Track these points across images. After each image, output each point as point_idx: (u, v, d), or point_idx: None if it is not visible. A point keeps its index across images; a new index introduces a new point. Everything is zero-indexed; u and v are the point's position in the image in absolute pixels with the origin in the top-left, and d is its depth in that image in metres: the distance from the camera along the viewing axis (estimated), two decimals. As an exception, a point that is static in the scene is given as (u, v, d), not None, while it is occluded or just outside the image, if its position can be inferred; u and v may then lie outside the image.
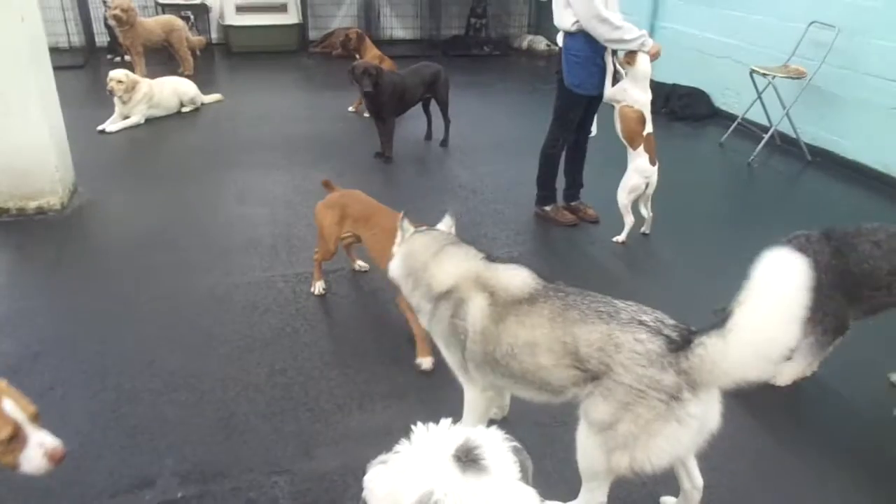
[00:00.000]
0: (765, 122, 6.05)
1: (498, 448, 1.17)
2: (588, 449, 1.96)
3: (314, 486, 2.36)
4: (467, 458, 1.13)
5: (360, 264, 3.77)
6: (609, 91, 4.10)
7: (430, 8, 10.11)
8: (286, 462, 2.47)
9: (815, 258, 2.66)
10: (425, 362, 2.94)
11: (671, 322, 1.87)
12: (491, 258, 2.22)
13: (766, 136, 5.85)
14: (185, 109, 6.69)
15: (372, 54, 6.88)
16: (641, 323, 1.86)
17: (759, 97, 6.00)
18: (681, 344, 1.80)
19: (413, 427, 1.24)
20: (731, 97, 6.81)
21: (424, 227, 2.40)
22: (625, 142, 4.14)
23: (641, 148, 4.08)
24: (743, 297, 1.69)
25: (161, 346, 3.11)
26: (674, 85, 7.12)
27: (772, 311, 1.66)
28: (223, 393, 2.82)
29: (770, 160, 5.86)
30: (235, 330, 3.26)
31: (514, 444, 1.20)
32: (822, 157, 5.80)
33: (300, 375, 2.94)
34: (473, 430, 1.20)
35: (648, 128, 4.09)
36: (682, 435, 1.82)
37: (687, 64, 7.19)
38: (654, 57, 3.99)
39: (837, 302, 2.71)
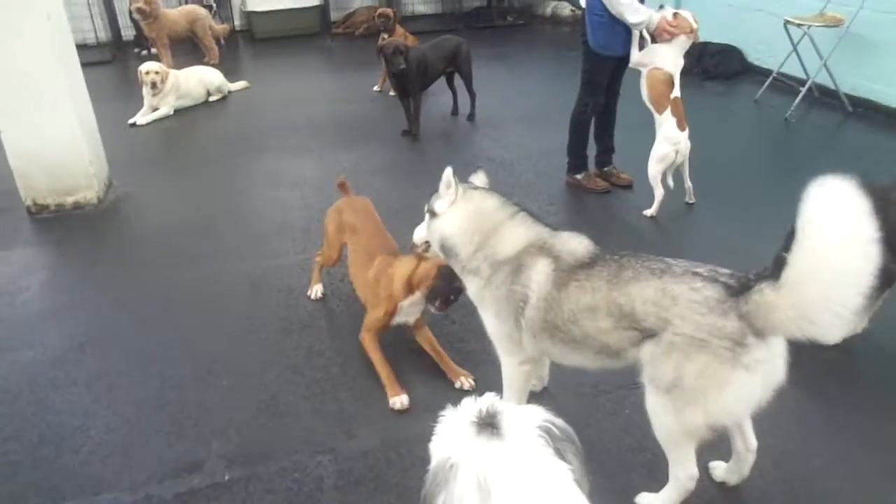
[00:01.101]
0: (801, 74, 5.84)
1: (521, 418, 1.18)
2: (659, 414, 1.92)
3: (357, 465, 2.38)
4: (485, 423, 1.14)
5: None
6: (637, 55, 3.98)
7: (451, -21, 9.99)
8: (329, 442, 2.50)
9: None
10: (398, 402, 2.64)
11: (726, 271, 1.83)
12: (553, 227, 2.20)
13: (804, 90, 5.65)
14: (212, 98, 6.74)
15: (398, 32, 6.84)
16: (696, 274, 1.83)
17: (795, 49, 5.79)
18: (739, 289, 1.75)
19: (450, 403, 1.25)
20: (765, 51, 6.58)
21: (474, 185, 2.35)
22: (650, 106, 4.01)
23: (668, 112, 3.94)
24: (796, 244, 1.60)
25: (201, 333, 3.16)
26: (705, 43, 6.89)
27: (827, 258, 1.57)
28: (263, 376, 2.86)
29: (808, 114, 5.66)
30: (273, 314, 3.29)
31: (551, 421, 1.19)
32: (864, 107, 5.58)
33: (338, 356, 2.96)
34: (500, 400, 1.22)
35: (676, 91, 3.96)
36: (752, 382, 1.76)
37: (718, 20, 6.96)
38: (664, 32, 3.84)
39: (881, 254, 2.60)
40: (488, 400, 1.21)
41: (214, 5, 9.09)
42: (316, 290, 3.40)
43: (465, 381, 2.73)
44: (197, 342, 3.10)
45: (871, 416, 2.50)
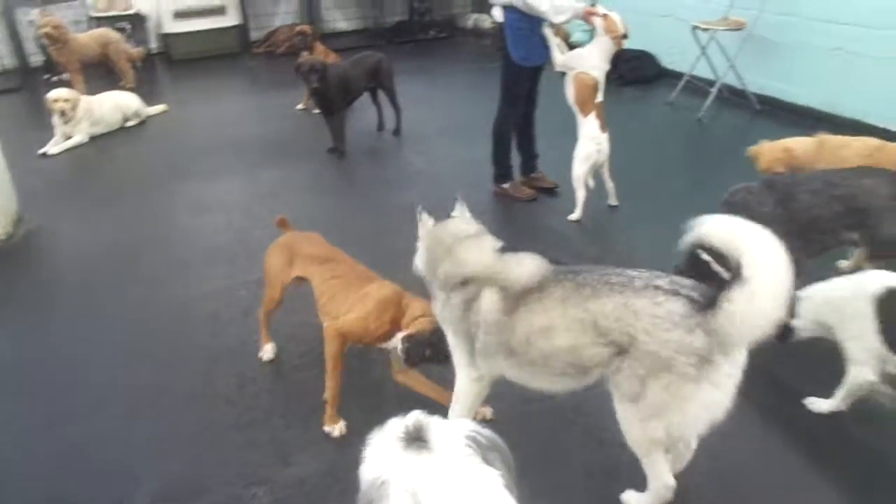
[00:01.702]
0: (711, 76, 6.09)
1: (449, 431, 1.18)
2: (624, 422, 1.95)
3: (294, 493, 2.33)
4: (412, 438, 1.14)
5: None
6: (562, 58, 4.07)
7: (371, -5, 10.00)
8: (264, 471, 2.44)
9: (759, 209, 2.72)
10: (335, 429, 2.60)
11: (688, 283, 1.83)
12: (505, 249, 2.16)
13: (714, 91, 5.90)
14: (129, 124, 6.52)
15: (319, 50, 6.77)
16: (657, 287, 1.80)
17: (704, 52, 6.04)
18: (705, 304, 1.73)
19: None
20: (677, 55, 6.84)
21: (453, 217, 2.36)
22: (575, 108, 4.12)
23: (592, 115, 4.07)
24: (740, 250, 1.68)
25: (125, 366, 3.05)
26: (620, 50, 7.11)
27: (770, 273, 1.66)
28: (194, 407, 2.77)
29: (720, 114, 5.91)
30: (200, 342, 3.19)
31: (478, 432, 1.20)
32: (770, 104, 5.87)
33: (269, 383, 2.90)
34: (424, 415, 1.23)
35: (600, 96, 4.08)
36: (717, 396, 1.77)
37: (632, 27, 7.12)
38: (589, 16, 3.95)
39: (788, 246, 2.75)
40: (415, 416, 1.21)
41: (128, 28, 8.81)
42: (268, 351, 3.05)
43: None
44: (120, 377, 2.98)
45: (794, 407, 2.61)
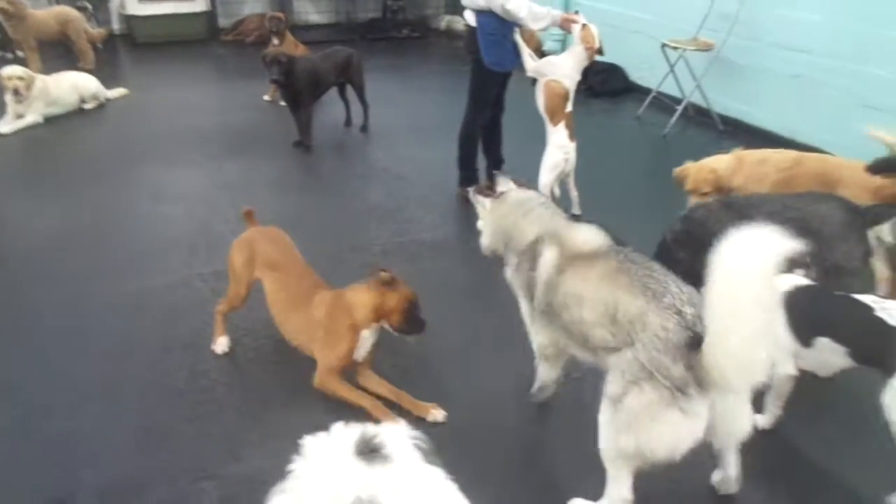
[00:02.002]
0: (678, 94, 6.21)
1: (396, 437, 1.16)
2: (602, 429, 2.03)
3: (243, 489, 2.28)
4: (369, 450, 1.11)
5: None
6: (534, 64, 4.09)
7: (344, -11, 9.93)
8: (213, 467, 2.38)
9: (717, 227, 2.77)
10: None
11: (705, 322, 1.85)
12: (574, 217, 2.44)
13: (680, 108, 6.01)
14: (87, 106, 6.32)
15: (289, 40, 6.68)
16: (679, 313, 1.89)
17: (672, 70, 6.15)
18: (697, 342, 1.81)
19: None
20: (646, 71, 6.94)
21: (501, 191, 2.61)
22: (545, 116, 4.14)
23: (562, 124, 4.10)
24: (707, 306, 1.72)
25: (73, 358, 2.94)
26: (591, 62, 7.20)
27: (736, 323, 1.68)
28: (142, 400, 2.69)
29: (685, 131, 6.02)
30: (153, 334, 3.10)
31: (415, 434, 1.18)
32: (733, 126, 6.00)
33: (223, 376, 2.83)
34: (368, 426, 1.18)
35: (570, 106, 4.11)
36: (685, 426, 1.86)
37: (603, 40, 7.28)
38: (567, 22, 4.00)
39: None
40: (363, 427, 1.17)
41: (89, 7, 8.56)
42: (222, 343, 2.96)
43: (437, 413, 2.59)
44: (68, 367, 2.87)
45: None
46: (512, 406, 2.71)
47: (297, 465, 1.15)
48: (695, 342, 1.82)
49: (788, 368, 2.41)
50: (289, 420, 2.58)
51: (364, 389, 2.68)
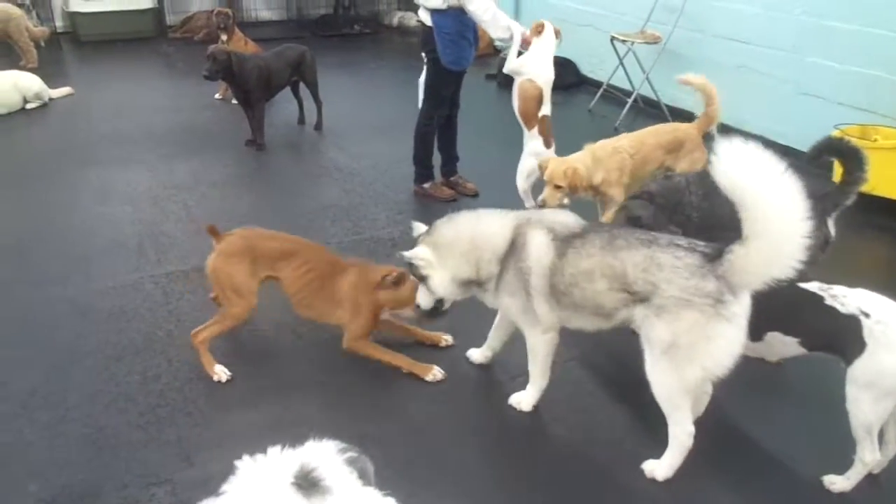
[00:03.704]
0: (628, 86, 6.30)
1: (334, 463, 1.14)
2: (660, 376, 2.16)
3: (197, 494, 2.18)
4: (308, 483, 1.09)
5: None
6: (514, 62, 4.06)
7: (295, -14, 9.81)
8: (165, 472, 2.34)
9: (689, 197, 2.84)
10: (432, 375, 2.79)
11: (702, 243, 2.12)
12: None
13: (630, 101, 6.10)
14: (30, 106, 6.12)
15: (238, 37, 6.56)
16: (678, 245, 2.12)
17: (621, 63, 6.24)
18: (714, 256, 2.04)
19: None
20: (596, 64, 7.03)
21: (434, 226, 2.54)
22: (520, 120, 4.11)
23: (536, 129, 4.07)
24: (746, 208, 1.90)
25: (14, 367, 2.85)
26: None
27: (775, 215, 1.87)
28: (90, 407, 2.63)
29: (635, 123, 6.09)
30: (101, 339, 3.03)
31: (350, 453, 1.17)
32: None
33: (176, 380, 2.78)
34: (305, 451, 1.16)
35: (545, 109, 4.05)
36: (734, 332, 2.05)
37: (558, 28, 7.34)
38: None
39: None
40: (300, 456, 1.14)
41: (29, 3, 8.28)
42: (221, 372, 2.78)
43: (444, 339, 2.98)
44: (9, 377, 2.78)
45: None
46: (474, 404, 2.73)
47: (230, 488, 1.12)
48: (709, 257, 2.04)
49: None
50: (243, 424, 2.57)
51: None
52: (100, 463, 2.38)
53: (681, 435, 2.23)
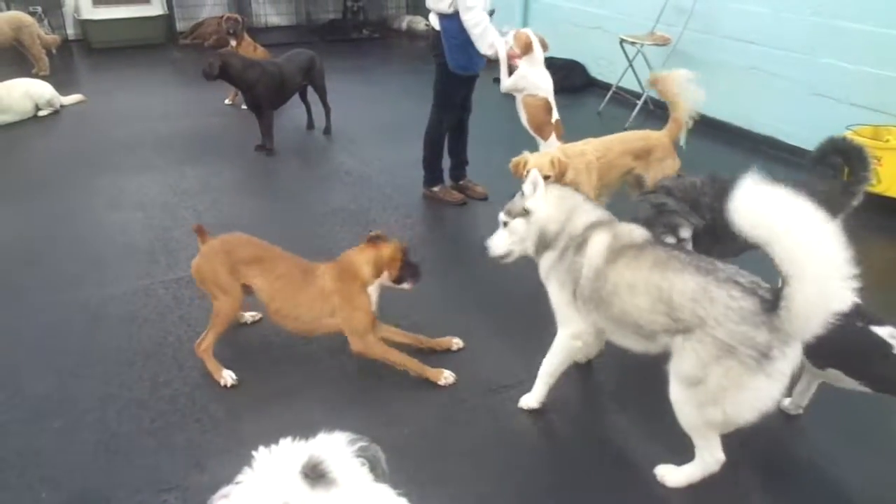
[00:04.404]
0: (638, 88, 6.28)
1: (343, 456, 1.16)
2: (682, 405, 2.11)
3: (207, 500, 2.24)
4: (315, 474, 1.11)
5: (250, 315, 3.20)
6: (508, 81, 4.08)
7: (304, -9, 9.86)
8: (176, 478, 2.34)
9: (700, 198, 2.83)
10: (444, 379, 2.79)
11: (766, 286, 1.97)
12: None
13: (640, 103, 6.08)
14: (42, 113, 6.18)
15: (247, 43, 6.59)
16: (737, 283, 1.97)
17: (631, 65, 6.22)
18: (773, 303, 1.87)
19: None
20: (605, 66, 7.02)
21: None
22: (533, 133, 4.09)
23: (553, 137, 4.06)
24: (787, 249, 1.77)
25: (28, 372, 2.87)
26: (550, 58, 7.19)
27: (808, 256, 1.74)
28: (102, 413, 2.64)
29: (645, 125, 6.03)
30: (113, 345, 3.05)
31: (361, 443, 1.18)
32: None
33: (186, 385, 2.79)
34: (315, 442, 1.19)
35: (555, 115, 4.07)
36: (771, 389, 1.93)
37: (561, 37, 7.31)
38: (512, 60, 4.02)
39: (709, 242, 2.84)
40: (310, 448, 1.16)
41: (41, 12, 8.36)
42: (228, 376, 2.80)
43: (454, 343, 2.99)
44: (23, 382, 2.80)
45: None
46: (484, 407, 2.72)
47: (245, 477, 1.15)
48: (767, 305, 1.89)
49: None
50: (254, 429, 2.56)
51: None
52: (112, 469, 2.38)
53: (708, 459, 2.18)
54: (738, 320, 1.91)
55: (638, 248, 2.24)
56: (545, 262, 2.49)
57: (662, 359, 2.17)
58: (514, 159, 3.59)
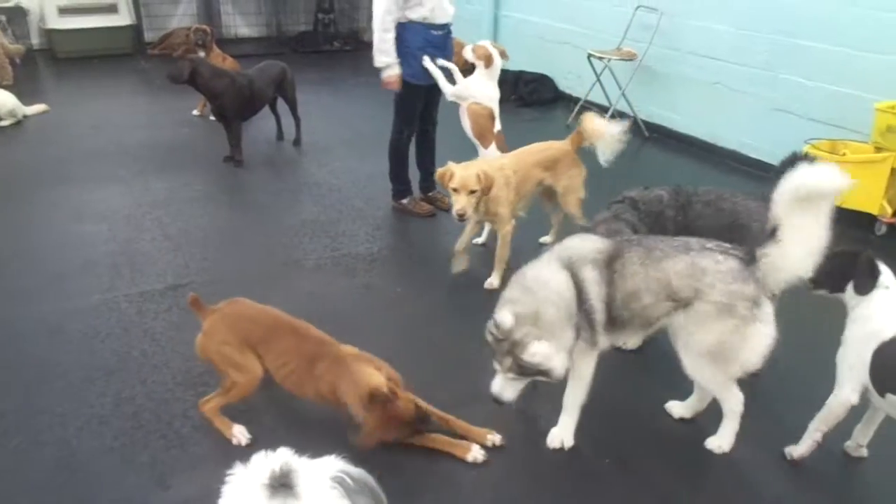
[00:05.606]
0: (605, 102, 6.38)
1: (315, 473, 1.16)
2: (701, 373, 2.32)
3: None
4: (279, 485, 1.11)
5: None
6: (453, 89, 4.11)
7: (273, 3, 9.80)
8: (139, 496, 2.30)
9: (665, 210, 2.89)
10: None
11: (728, 246, 2.26)
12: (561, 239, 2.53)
13: (607, 116, 6.14)
14: (3, 123, 6.06)
15: (216, 53, 6.54)
16: (711, 249, 2.24)
17: (598, 79, 6.32)
18: (749, 260, 2.18)
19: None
20: (574, 80, 7.11)
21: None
22: (475, 141, 4.15)
23: (493, 146, 4.10)
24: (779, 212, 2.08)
25: (-15, 389, 2.80)
26: (520, 72, 7.33)
27: (807, 217, 2.05)
28: (62, 431, 2.58)
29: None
30: (74, 360, 2.99)
31: (350, 473, 1.19)
32: (658, 132, 6.20)
33: (150, 401, 2.74)
34: (291, 455, 1.19)
35: (498, 125, 4.12)
36: (768, 331, 2.20)
37: (531, 51, 7.44)
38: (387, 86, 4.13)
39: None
40: (281, 458, 1.17)
41: (4, 21, 8.21)
42: (238, 434, 2.54)
43: (494, 437, 2.52)
44: (-21, 401, 2.73)
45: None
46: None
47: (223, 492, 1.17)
48: (746, 261, 2.18)
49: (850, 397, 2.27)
50: (219, 447, 2.52)
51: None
52: (72, 488, 2.33)
53: (734, 405, 2.39)
54: (729, 280, 2.17)
55: (618, 257, 2.31)
56: (574, 359, 2.35)
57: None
58: (440, 170, 3.54)
